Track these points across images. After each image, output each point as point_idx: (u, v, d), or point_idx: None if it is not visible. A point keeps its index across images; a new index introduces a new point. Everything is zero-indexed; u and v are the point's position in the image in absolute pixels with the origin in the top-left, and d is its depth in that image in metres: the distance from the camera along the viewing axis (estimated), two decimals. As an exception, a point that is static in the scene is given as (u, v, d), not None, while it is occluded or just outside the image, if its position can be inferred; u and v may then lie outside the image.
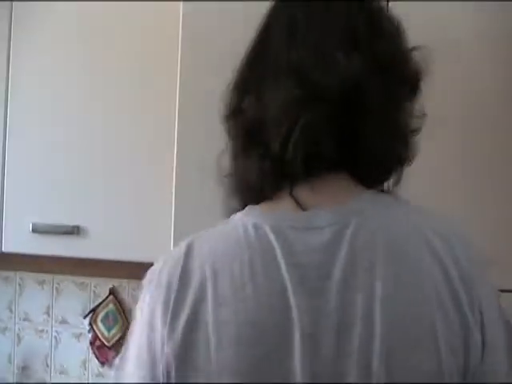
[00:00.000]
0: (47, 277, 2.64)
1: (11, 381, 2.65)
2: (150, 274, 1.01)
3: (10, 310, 2.68)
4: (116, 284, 2.61)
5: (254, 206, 1.02)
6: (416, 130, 1.05)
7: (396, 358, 0.89)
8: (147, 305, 0.98)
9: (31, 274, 2.65)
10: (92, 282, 2.63)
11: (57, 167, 2.23)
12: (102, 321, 2.57)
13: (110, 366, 2.60)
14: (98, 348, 2.58)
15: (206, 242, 1.00)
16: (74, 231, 2.20)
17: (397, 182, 1.07)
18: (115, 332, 2.56)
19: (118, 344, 2.56)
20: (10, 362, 2.66)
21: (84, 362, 2.63)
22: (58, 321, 2.65)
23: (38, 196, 2.24)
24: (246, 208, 1.03)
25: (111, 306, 2.58)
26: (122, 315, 2.59)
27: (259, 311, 0.92)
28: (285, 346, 0.91)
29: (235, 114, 1.04)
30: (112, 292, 2.60)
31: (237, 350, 0.91)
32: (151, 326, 0.96)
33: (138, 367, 0.97)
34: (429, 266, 0.92)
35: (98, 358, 2.59)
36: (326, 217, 0.96)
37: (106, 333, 2.57)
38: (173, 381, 0.93)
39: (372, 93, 0.97)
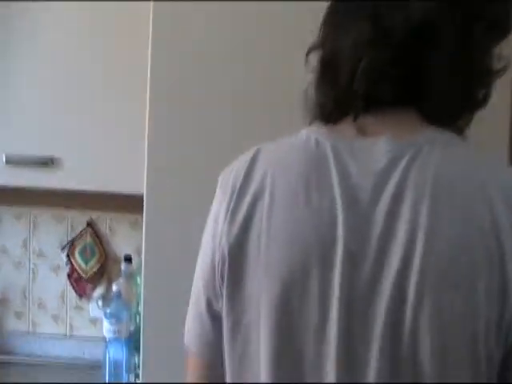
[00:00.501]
0: (24, 210, 2.61)
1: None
2: (222, 175, 1.10)
3: (-12, 244, 2.65)
4: (94, 216, 2.59)
5: (320, 125, 1.07)
6: (496, 72, 1.04)
7: (430, 293, 0.90)
8: (215, 202, 1.08)
9: (8, 208, 2.61)
10: (69, 214, 2.60)
11: (31, 98, 2.19)
12: (79, 253, 2.56)
13: (88, 298, 2.59)
14: (76, 280, 2.57)
15: (271, 151, 1.07)
16: (48, 162, 2.17)
17: (466, 124, 1.07)
18: (93, 264, 2.55)
19: (96, 276, 2.55)
20: (-12, 295, 2.65)
21: (62, 295, 2.62)
22: (35, 254, 2.63)
23: (11, 127, 2.19)
24: (313, 125, 1.08)
25: (89, 238, 2.56)
26: (100, 247, 2.57)
27: (308, 221, 0.97)
28: (328, 260, 0.95)
29: (318, 47, 1.09)
30: (89, 224, 2.58)
31: (282, 254, 0.97)
32: (216, 221, 1.05)
33: (202, 254, 1.09)
34: (478, 211, 0.92)
35: (75, 291, 2.58)
36: (383, 146, 0.98)
37: (83, 265, 2.55)
38: (225, 273, 1.01)
39: (444, 29, 0.98)
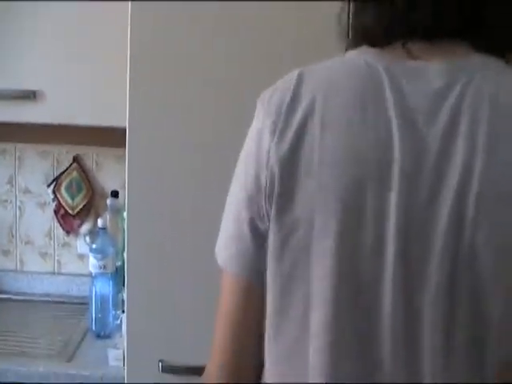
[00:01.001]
0: (8, 146, 2.57)
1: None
2: (262, 95, 1.06)
3: (-28, 181, 2.61)
4: (80, 152, 2.54)
5: (367, 48, 1.03)
6: None
7: (488, 213, 0.91)
8: (257, 123, 1.04)
9: (-8, 144, 2.57)
10: (55, 150, 2.56)
11: (12, 31, 2.12)
12: (65, 189, 2.52)
13: (76, 234, 2.57)
14: (63, 217, 2.54)
15: (318, 71, 1.03)
16: (30, 96, 2.13)
17: None
18: (79, 200, 2.52)
19: (83, 212, 2.53)
20: (-26, 233, 2.63)
21: (49, 232, 2.60)
22: (21, 190, 2.59)
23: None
24: (360, 48, 1.04)
25: (75, 173, 2.52)
26: (86, 183, 2.53)
27: (364, 139, 0.95)
28: (384, 179, 0.94)
29: None
30: (75, 160, 2.54)
31: (337, 171, 0.95)
32: (259, 140, 1.02)
33: (241, 174, 1.05)
34: None
35: (62, 227, 2.56)
36: (437, 68, 0.97)
37: (70, 201, 2.52)
38: (274, 192, 0.99)
39: None
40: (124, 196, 2.36)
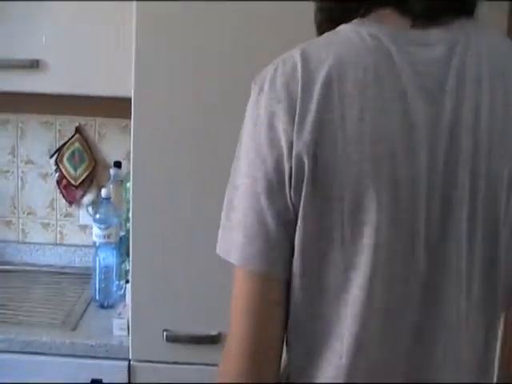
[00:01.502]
0: (11, 116, 2.55)
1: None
2: (260, 80, 1.02)
3: (-26, 152, 2.60)
4: (82, 122, 2.53)
5: (362, 20, 1.04)
6: None
7: (495, 163, 1.00)
8: (264, 108, 0.99)
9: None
10: (57, 120, 2.54)
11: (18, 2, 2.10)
12: (68, 160, 2.51)
13: (78, 205, 2.56)
14: (65, 187, 2.53)
15: (322, 49, 1.01)
16: (33, 65, 2.11)
17: None
18: (82, 171, 2.51)
19: (85, 183, 2.52)
20: (-24, 203, 2.62)
21: (51, 202, 2.59)
22: (23, 161, 2.58)
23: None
24: (354, 21, 1.04)
25: (77, 144, 2.51)
26: (89, 153, 2.52)
27: (382, 112, 0.97)
28: (408, 147, 0.97)
29: None
30: (78, 130, 2.52)
31: (366, 147, 0.96)
32: (271, 127, 0.98)
33: (254, 166, 0.99)
34: None
35: (65, 198, 2.55)
36: (437, 34, 1.01)
37: (72, 172, 2.51)
38: (304, 177, 0.96)
39: None
40: (126, 166, 2.36)
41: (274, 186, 0.98)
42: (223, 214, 1.04)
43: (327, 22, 1.08)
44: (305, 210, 0.97)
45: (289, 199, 0.98)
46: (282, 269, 1.01)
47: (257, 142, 0.99)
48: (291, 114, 0.97)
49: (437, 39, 1.00)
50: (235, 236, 1.01)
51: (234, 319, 1.03)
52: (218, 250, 1.04)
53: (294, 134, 0.96)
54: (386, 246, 0.98)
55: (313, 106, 0.96)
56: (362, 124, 0.96)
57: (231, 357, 1.04)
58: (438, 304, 1.01)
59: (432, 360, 1.03)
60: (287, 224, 0.99)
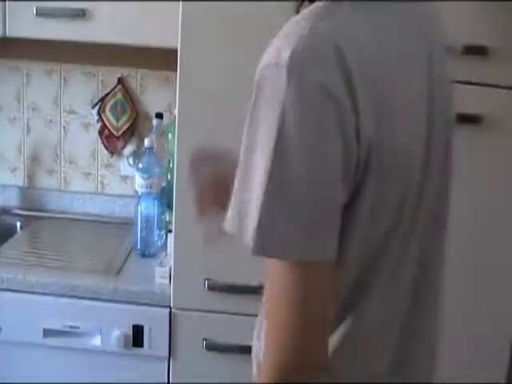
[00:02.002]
0: (54, 66, 2.58)
1: (22, 170, 2.66)
2: (289, 67, 0.91)
3: (18, 101, 2.63)
4: (124, 73, 2.55)
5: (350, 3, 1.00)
6: None
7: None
8: (319, 90, 0.91)
9: (38, 64, 2.58)
10: (100, 71, 2.56)
11: None
12: (110, 110, 2.53)
13: (119, 155, 2.59)
14: (107, 138, 2.56)
15: (354, 35, 0.95)
16: (79, 14, 2.13)
17: None
18: (124, 121, 2.53)
19: (127, 133, 2.54)
20: (19, 151, 2.66)
21: (93, 152, 2.62)
22: (66, 111, 2.61)
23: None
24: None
25: (120, 95, 2.53)
26: (131, 104, 2.54)
27: (415, 96, 1.04)
28: (426, 135, 1.06)
29: None
30: (120, 81, 2.54)
31: (412, 131, 1.03)
32: (342, 114, 0.91)
33: (324, 154, 0.92)
34: None
35: (106, 148, 2.58)
36: (403, 7, 1.08)
37: (114, 122, 2.53)
38: (373, 160, 0.95)
39: None
40: (168, 118, 2.38)
41: (343, 173, 0.93)
42: (260, 210, 0.92)
43: None
44: (368, 190, 0.96)
45: (351, 182, 0.95)
46: (336, 250, 0.96)
47: (323, 129, 0.91)
48: (354, 102, 0.92)
49: (405, 11, 1.06)
50: (291, 228, 0.92)
51: (288, 315, 0.95)
52: (257, 250, 0.93)
53: (363, 119, 0.93)
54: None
55: (372, 95, 0.94)
56: (406, 109, 1.01)
57: (285, 349, 0.95)
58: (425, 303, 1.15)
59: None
60: (343, 207, 0.96)
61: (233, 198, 0.97)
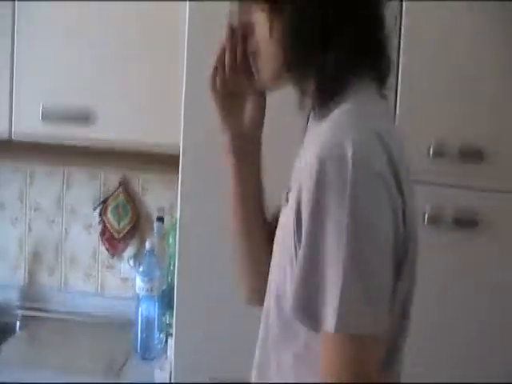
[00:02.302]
0: (57, 168, 2.62)
1: (22, 269, 2.68)
2: (357, 163, 0.99)
3: (21, 201, 2.67)
4: (126, 176, 2.60)
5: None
6: None
7: None
8: (379, 182, 1.01)
9: (41, 165, 2.62)
10: (102, 172, 2.61)
11: (69, 52, 2.20)
12: (111, 212, 2.57)
13: (120, 257, 2.61)
14: (108, 239, 2.59)
15: (384, 127, 1.08)
16: (84, 117, 2.18)
17: None
18: (125, 224, 2.56)
19: (128, 236, 2.57)
20: (21, 251, 2.68)
21: (94, 253, 2.64)
22: (68, 212, 2.65)
23: (47, 81, 2.22)
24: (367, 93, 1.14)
25: (121, 197, 2.57)
26: (132, 206, 2.58)
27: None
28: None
29: None
30: (122, 183, 2.59)
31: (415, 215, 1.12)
32: (390, 194, 1.02)
33: (385, 242, 1.02)
34: None
35: (107, 250, 2.60)
36: None
37: (115, 224, 2.57)
38: (407, 254, 1.07)
39: None
40: (169, 220, 2.41)
41: (392, 259, 1.03)
42: (341, 291, 0.99)
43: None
44: (404, 276, 1.08)
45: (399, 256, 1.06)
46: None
47: (382, 219, 1.02)
48: (399, 185, 1.04)
49: None
50: (369, 303, 1.01)
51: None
52: (340, 328, 0.99)
53: (400, 202, 1.04)
54: None
55: (400, 179, 1.05)
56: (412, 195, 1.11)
57: None
58: None
59: None
60: None
61: (299, 286, 1.03)
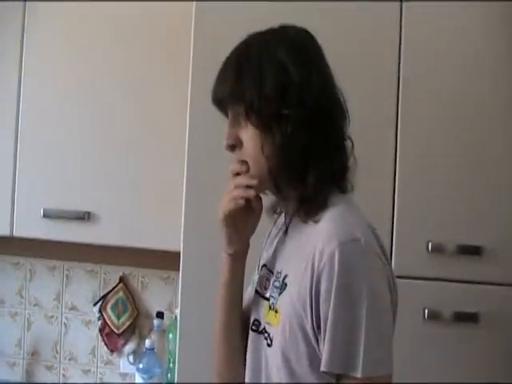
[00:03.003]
0: (58, 263, 2.65)
1: (21, 365, 2.66)
2: (366, 246, 1.24)
3: (21, 296, 2.68)
4: (126, 272, 2.61)
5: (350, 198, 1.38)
6: None
7: None
8: (382, 265, 1.28)
9: (42, 260, 2.65)
10: (102, 269, 2.63)
11: (69, 154, 2.26)
12: (111, 308, 2.57)
13: (119, 353, 2.60)
14: (108, 335, 2.58)
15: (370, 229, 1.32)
16: (85, 217, 2.22)
17: None
18: (125, 320, 2.57)
19: (127, 332, 2.57)
20: (19, 347, 2.67)
21: (93, 349, 2.64)
22: (67, 307, 2.65)
23: (49, 182, 2.27)
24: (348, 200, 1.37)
25: (121, 293, 2.58)
26: (132, 303, 2.59)
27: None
28: None
29: None
30: (122, 279, 2.60)
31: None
32: (386, 270, 1.29)
33: (386, 305, 1.28)
34: None
35: (107, 346, 2.60)
36: None
37: (115, 320, 2.57)
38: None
39: None
40: (168, 317, 2.41)
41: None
42: (369, 345, 1.22)
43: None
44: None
45: None
46: None
47: (384, 287, 1.27)
48: (391, 273, 1.32)
49: None
50: (384, 350, 1.25)
51: None
52: (369, 372, 1.22)
53: (393, 277, 1.33)
54: None
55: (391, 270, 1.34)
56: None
57: None
58: None
59: None
60: None
61: (336, 344, 1.22)
